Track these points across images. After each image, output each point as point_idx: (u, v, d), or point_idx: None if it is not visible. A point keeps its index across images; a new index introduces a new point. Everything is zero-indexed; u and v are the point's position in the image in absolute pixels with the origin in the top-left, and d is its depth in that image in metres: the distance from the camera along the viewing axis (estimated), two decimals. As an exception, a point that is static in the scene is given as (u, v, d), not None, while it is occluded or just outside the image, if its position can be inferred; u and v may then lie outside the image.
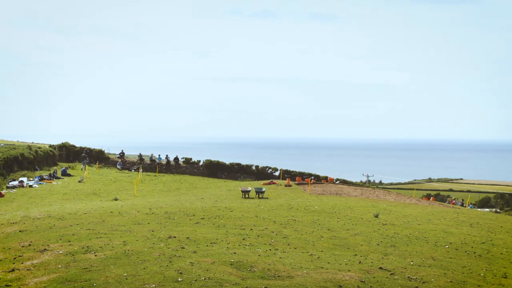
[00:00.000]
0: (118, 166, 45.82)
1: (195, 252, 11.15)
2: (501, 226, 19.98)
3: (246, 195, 27.85)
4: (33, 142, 61.91)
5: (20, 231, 14.20)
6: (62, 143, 48.83)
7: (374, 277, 9.82)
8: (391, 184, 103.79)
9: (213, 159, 48.99)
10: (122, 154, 49.47)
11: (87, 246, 11.34)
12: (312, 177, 44.42)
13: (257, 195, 28.10)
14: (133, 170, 45.37)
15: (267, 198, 27.56)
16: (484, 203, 64.85)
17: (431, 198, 47.58)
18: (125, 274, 9.03)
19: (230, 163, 48.28)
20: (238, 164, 48.10)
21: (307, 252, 12.07)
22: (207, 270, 9.50)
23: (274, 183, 37.62)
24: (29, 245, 11.95)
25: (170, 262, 10.03)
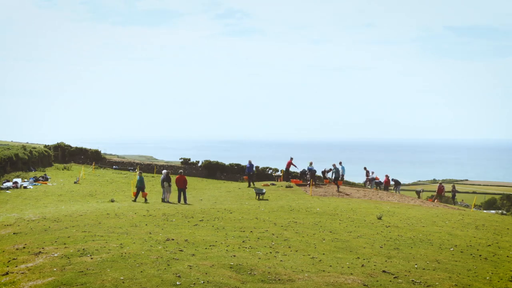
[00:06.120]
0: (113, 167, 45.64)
1: (193, 255, 10.93)
2: (508, 228, 19.70)
3: (261, 197, 27.40)
4: (27, 142, 61.69)
5: (14, 233, 13.99)
6: (58, 143, 48.45)
7: (377, 281, 9.65)
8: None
9: (212, 159, 48.87)
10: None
11: (83, 249, 11.11)
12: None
13: (257, 197, 27.81)
14: (130, 170, 45.19)
15: (267, 199, 27.28)
16: (490, 204, 64.13)
17: (435, 199, 47.24)
18: (122, 278, 8.83)
19: (230, 164, 48.13)
20: (238, 165, 47.92)
21: (309, 255, 11.85)
22: (206, 274, 9.32)
23: (274, 184, 37.34)
24: (24, 247, 11.73)
25: (168, 265, 9.82)
